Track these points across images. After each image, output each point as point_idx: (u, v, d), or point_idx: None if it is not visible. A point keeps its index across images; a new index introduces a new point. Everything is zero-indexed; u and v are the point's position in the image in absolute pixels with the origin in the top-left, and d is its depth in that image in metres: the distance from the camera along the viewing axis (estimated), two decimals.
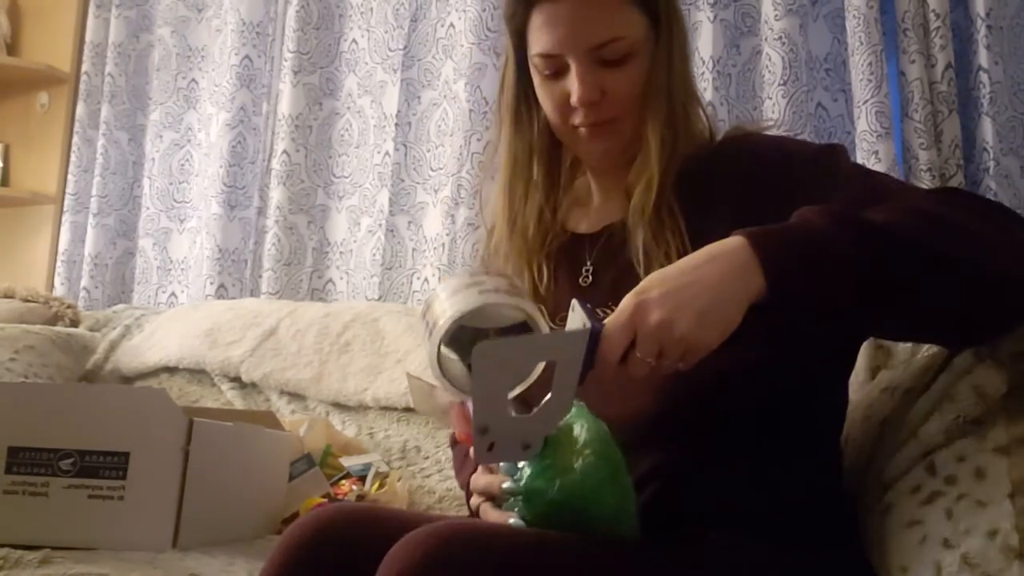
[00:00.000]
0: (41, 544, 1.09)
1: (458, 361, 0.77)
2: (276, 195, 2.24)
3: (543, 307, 1.01)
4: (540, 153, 1.05)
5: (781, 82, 1.71)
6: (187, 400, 1.86)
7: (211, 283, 2.28)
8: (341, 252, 2.24)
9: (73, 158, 2.59)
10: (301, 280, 2.26)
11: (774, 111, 1.71)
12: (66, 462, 1.16)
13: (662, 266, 0.80)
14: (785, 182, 0.92)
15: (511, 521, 0.83)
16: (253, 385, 1.85)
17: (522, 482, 0.81)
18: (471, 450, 0.82)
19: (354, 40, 2.28)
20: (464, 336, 0.75)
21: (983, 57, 1.61)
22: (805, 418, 0.94)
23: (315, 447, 1.54)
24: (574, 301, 0.79)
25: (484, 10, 2.01)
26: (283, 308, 1.95)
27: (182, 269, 2.46)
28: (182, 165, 2.51)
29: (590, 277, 1.02)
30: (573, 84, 0.95)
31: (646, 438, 0.90)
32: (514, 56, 1.03)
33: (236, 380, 1.87)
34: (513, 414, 0.77)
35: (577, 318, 0.78)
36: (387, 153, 2.15)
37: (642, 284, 0.76)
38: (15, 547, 1.07)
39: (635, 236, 0.96)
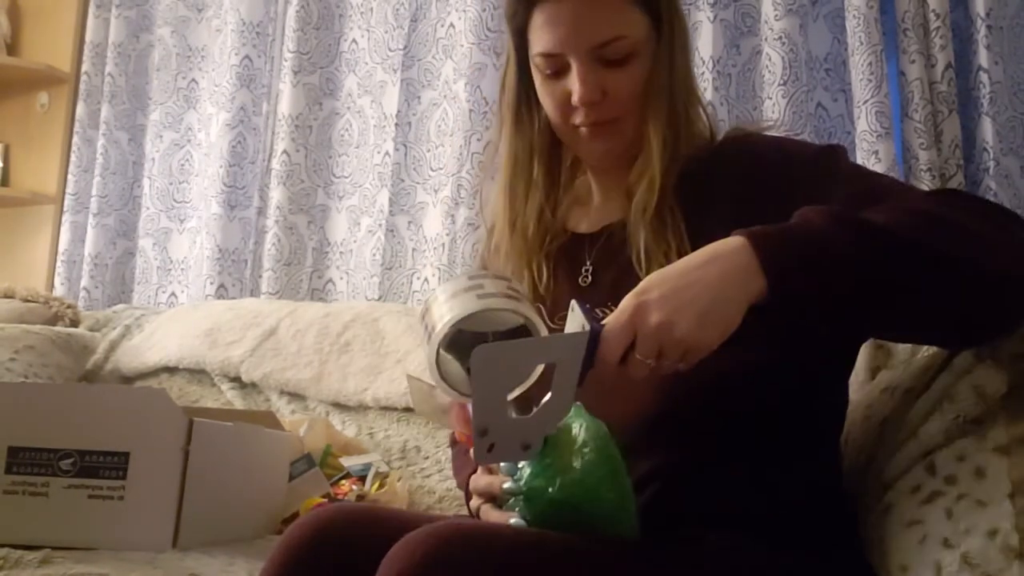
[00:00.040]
0: (41, 544, 1.09)
1: (457, 364, 0.77)
2: (276, 195, 2.25)
3: (542, 307, 1.02)
4: (541, 153, 1.05)
5: (781, 82, 1.71)
6: (187, 400, 1.86)
7: (211, 283, 2.28)
8: (341, 252, 2.24)
9: (73, 158, 2.59)
10: (301, 280, 2.26)
11: (774, 111, 1.71)
12: (66, 462, 1.16)
13: (662, 266, 0.80)
14: (785, 183, 0.92)
15: (512, 521, 0.83)
16: (253, 385, 1.85)
17: (522, 482, 0.82)
18: (471, 451, 0.82)
19: (354, 40, 2.28)
20: (463, 340, 0.76)
21: (983, 57, 1.61)
22: (805, 418, 0.94)
23: (315, 447, 1.54)
24: (573, 302, 0.79)
25: (484, 10, 2.01)
26: (283, 308, 1.95)
27: (182, 269, 2.46)
28: (182, 165, 2.51)
29: (589, 277, 1.02)
30: (574, 84, 0.95)
31: (646, 439, 0.90)
32: (515, 55, 1.03)
33: (236, 380, 1.87)
34: (513, 415, 0.77)
35: (576, 319, 0.78)
36: (387, 153, 2.15)
37: (642, 285, 0.76)
38: (15, 547, 1.07)
39: (636, 236, 0.96)
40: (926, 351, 1.03)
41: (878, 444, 0.96)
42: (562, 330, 0.82)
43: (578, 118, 0.98)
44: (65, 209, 2.57)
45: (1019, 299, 0.81)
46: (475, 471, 0.98)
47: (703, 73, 1.78)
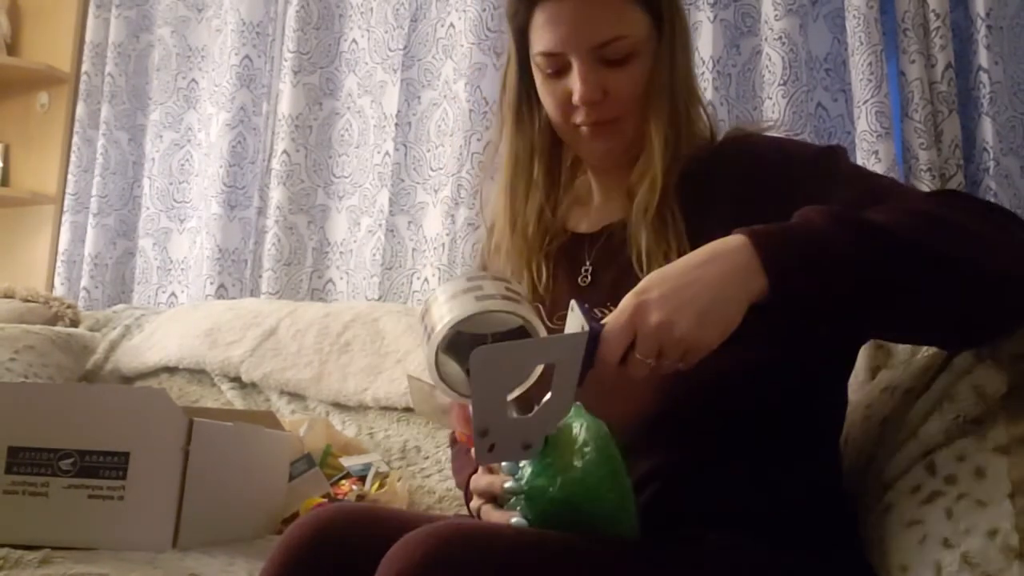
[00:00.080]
0: (41, 544, 1.09)
1: (457, 365, 0.77)
2: (276, 195, 2.25)
3: (541, 307, 1.02)
4: (541, 152, 1.05)
5: (781, 82, 1.71)
6: (187, 400, 1.86)
7: (211, 283, 2.28)
8: (341, 252, 2.24)
9: (73, 158, 2.59)
10: (301, 280, 2.26)
11: (774, 111, 1.71)
12: (66, 462, 1.16)
13: (662, 267, 0.80)
14: (785, 183, 0.92)
15: (513, 521, 0.83)
16: (253, 385, 1.85)
17: (524, 481, 0.82)
18: (472, 451, 0.82)
19: (354, 40, 2.28)
20: (462, 341, 0.76)
21: (983, 57, 1.61)
22: (805, 418, 0.94)
23: (315, 447, 1.54)
24: (573, 302, 0.79)
25: (484, 10, 2.01)
26: (283, 308, 1.95)
27: (182, 269, 2.46)
28: (182, 165, 2.51)
29: (589, 277, 1.02)
30: (575, 83, 0.95)
31: (646, 438, 0.90)
32: (516, 55, 1.03)
33: (236, 380, 1.87)
34: (513, 415, 0.78)
35: (576, 319, 0.78)
36: (387, 153, 2.15)
37: (642, 284, 0.76)
38: (15, 547, 1.07)
39: (637, 236, 0.96)
40: (926, 351, 1.03)
41: (878, 444, 0.96)
42: (561, 330, 0.82)
43: (579, 117, 0.98)
44: (65, 209, 2.57)
45: (1019, 299, 0.81)
46: (475, 471, 0.98)
47: (703, 73, 1.77)
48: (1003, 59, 1.64)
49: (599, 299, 0.96)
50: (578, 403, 0.82)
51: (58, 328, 2.03)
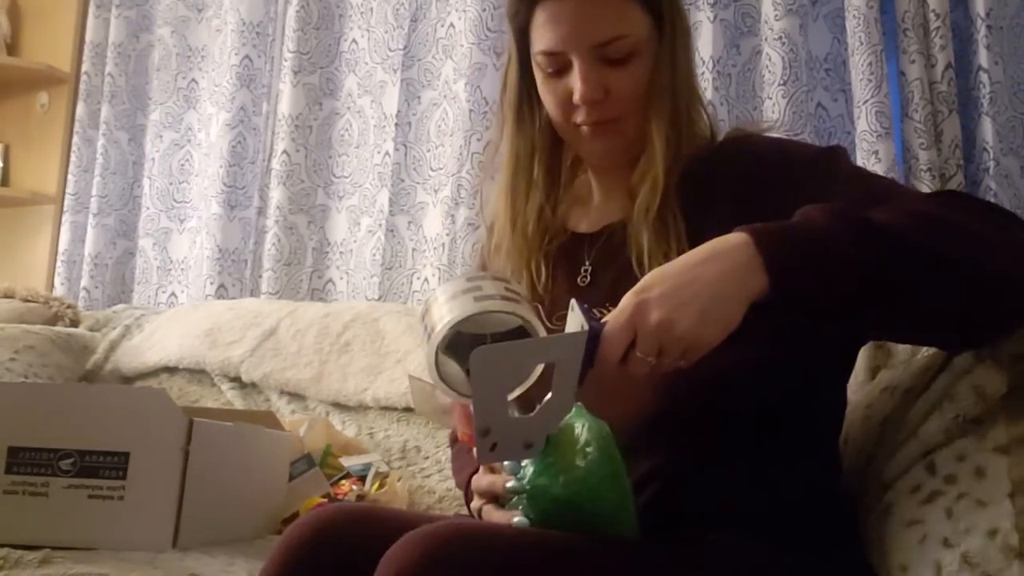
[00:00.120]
0: (41, 544, 1.09)
1: (457, 365, 0.77)
2: (276, 195, 2.25)
3: (540, 307, 1.02)
4: (542, 151, 1.05)
5: (781, 82, 1.71)
6: (187, 400, 1.86)
7: (211, 283, 2.28)
8: (341, 252, 2.24)
9: (73, 158, 2.59)
10: (301, 280, 2.26)
11: (774, 111, 1.71)
12: (66, 462, 1.16)
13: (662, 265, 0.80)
14: (785, 184, 0.92)
15: (515, 521, 0.83)
16: (253, 385, 1.85)
17: (526, 480, 0.82)
18: (474, 450, 0.82)
19: (354, 40, 2.28)
20: (462, 341, 0.76)
21: (983, 57, 1.61)
22: (806, 418, 0.94)
23: (315, 447, 1.54)
24: (573, 301, 0.79)
25: (484, 10, 2.01)
26: (283, 308, 1.95)
27: (182, 269, 2.46)
28: (182, 165, 2.51)
29: (588, 277, 1.02)
30: (576, 82, 0.95)
31: (646, 439, 0.90)
32: (517, 54, 1.03)
33: (236, 380, 1.87)
34: (515, 415, 0.78)
35: (576, 319, 0.78)
36: (387, 153, 2.15)
37: (642, 283, 0.76)
38: (15, 547, 1.07)
39: (638, 237, 0.96)
40: (926, 351, 1.03)
41: (878, 444, 0.96)
42: (560, 330, 0.82)
43: (579, 117, 0.98)
44: (65, 209, 2.57)
45: (1019, 300, 0.80)
46: (476, 471, 0.98)
47: (703, 73, 1.77)
48: (1003, 59, 1.64)
49: (598, 299, 0.96)
50: (579, 403, 0.82)
51: (58, 328, 2.03)
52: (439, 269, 2.00)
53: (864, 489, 0.95)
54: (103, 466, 1.15)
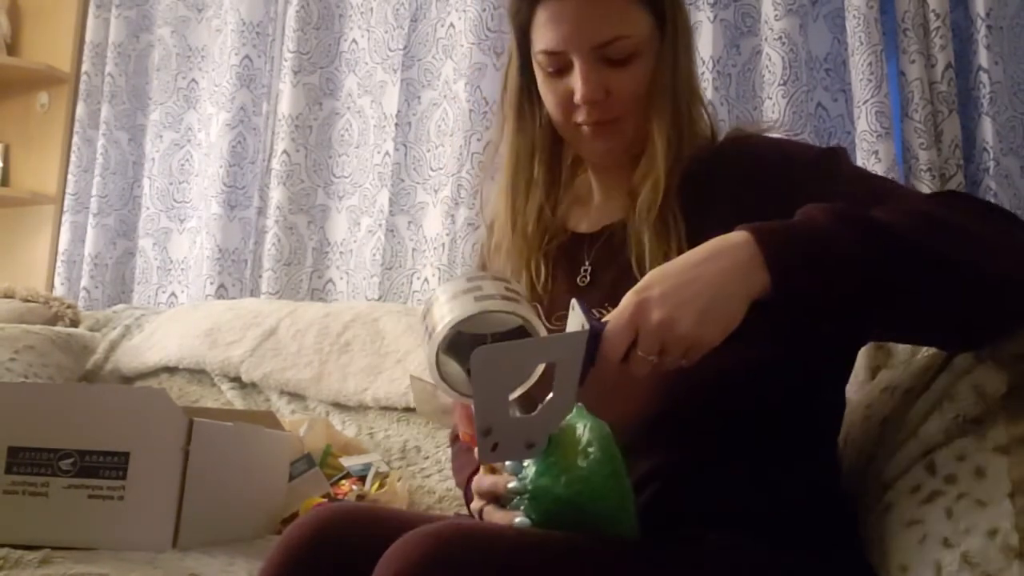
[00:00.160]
0: (41, 544, 1.09)
1: (457, 365, 0.77)
2: (276, 195, 2.25)
3: (540, 306, 1.02)
4: (542, 151, 1.05)
5: (781, 82, 1.71)
6: (187, 400, 1.86)
7: (211, 283, 2.28)
8: (341, 252, 2.24)
9: (73, 158, 2.59)
10: (301, 280, 2.26)
11: (774, 111, 1.71)
12: (66, 462, 1.16)
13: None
14: (786, 184, 0.92)
15: (516, 521, 0.83)
16: (253, 385, 1.85)
17: (527, 480, 0.82)
18: (475, 450, 0.82)
19: (354, 40, 2.28)
20: (462, 341, 0.76)
21: (983, 57, 1.61)
22: (806, 417, 0.94)
23: (315, 447, 1.54)
24: (573, 301, 0.79)
25: (484, 10, 2.01)
26: (283, 308, 1.95)
27: (182, 269, 2.46)
28: (182, 165, 2.51)
29: (588, 277, 1.02)
30: (577, 82, 0.95)
31: (646, 439, 0.90)
32: (518, 53, 1.03)
33: (236, 380, 1.87)
34: (516, 415, 0.78)
35: (576, 318, 0.78)
36: (387, 153, 2.15)
37: (643, 282, 0.76)
38: (15, 547, 1.07)
39: (638, 237, 0.95)
40: (926, 351, 1.04)
41: (878, 444, 0.96)
42: (560, 329, 0.82)
43: (580, 116, 0.98)
44: (65, 209, 2.57)
45: (1019, 301, 0.80)
46: (476, 471, 0.98)
47: (703, 73, 1.77)
48: (1003, 59, 1.64)
49: (598, 299, 0.96)
50: (579, 404, 0.82)
51: (58, 328, 2.03)
52: (439, 269, 2.00)
53: (864, 489, 0.95)
54: (103, 466, 1.15)
